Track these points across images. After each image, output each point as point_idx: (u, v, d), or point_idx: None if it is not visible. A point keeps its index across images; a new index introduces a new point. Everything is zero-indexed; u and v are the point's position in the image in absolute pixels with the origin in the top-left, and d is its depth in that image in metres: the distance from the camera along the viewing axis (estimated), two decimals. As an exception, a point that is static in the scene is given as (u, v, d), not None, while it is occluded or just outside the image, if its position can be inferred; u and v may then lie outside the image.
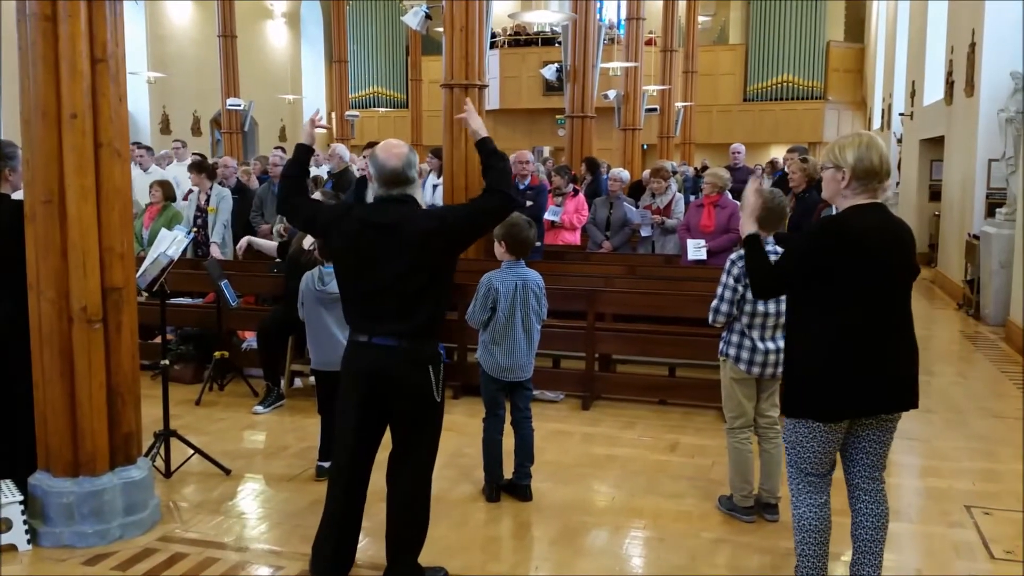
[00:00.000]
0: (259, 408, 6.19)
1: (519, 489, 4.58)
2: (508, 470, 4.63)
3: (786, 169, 7.85)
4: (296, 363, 6.52)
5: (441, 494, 4.43)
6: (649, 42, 19.73)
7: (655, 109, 17.31)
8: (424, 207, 3.56)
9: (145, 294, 4.73)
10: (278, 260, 6.57)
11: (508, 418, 4.64)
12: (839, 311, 3.02)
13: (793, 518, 3.29)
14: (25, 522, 3.92)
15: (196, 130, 21.33)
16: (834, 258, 3.00)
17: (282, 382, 6.39)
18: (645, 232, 8.48)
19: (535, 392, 5.22)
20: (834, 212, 3.22)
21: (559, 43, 18.41)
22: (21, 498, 3.94)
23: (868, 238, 3.00)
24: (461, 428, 5.60)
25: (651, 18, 18.32)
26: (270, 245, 6.59)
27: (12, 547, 3.90)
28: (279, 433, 5.77)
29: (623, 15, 16.77)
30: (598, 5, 13.52)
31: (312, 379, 6.03)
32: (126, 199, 4.00)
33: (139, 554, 3.91)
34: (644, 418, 6.05)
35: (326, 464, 4.82)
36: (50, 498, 3.96)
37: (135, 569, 3.78)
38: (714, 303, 4.22)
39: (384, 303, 3.31)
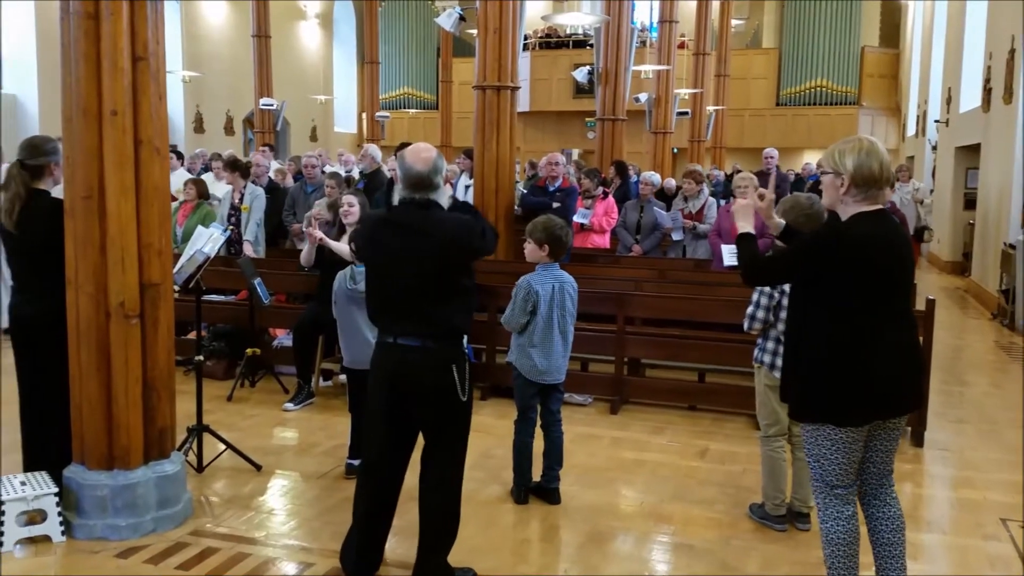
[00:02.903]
0: (289, 405, 6.24)
1: (548, 492, 4.57)
2: (536, 473, 4.63)
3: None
4: (326, 361, 6.57)
5: (470, 495, 4.42)
6: (681, 45, 19.65)
7: (686, 113, 17.23)
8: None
9: (179, 290, 4.78)
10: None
11: (538, 421, 4.63)
12: (849, 315, 3.01)
13: (821, 532, 3.26)
14: (60, 514, 3.98)
15: (229, 129, 21.55)
16: (833, 265, 2.99)
17: (313, 380, 6.43)
18: (676, 236, 8.43)
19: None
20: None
21: (590, 45, 18.39)
22: (56, 490, 3.99)
23: (870, 245, 2.98)
24: (490, 429, 5.60)
25: (684, 21, 18.25)
26: (342, 248, 6.38)
27: (46, 538, 3.96)
28: (309, 430, 5.81)
29: (656, 18, 16.69)
30: (631, 7, 13.44)
31: (343, 377, 6.08)
32: (165, 196, 4.05)
33: (171, 548, 3.95)
34: (673, 423, 6.02)
35: (356, 462, 4.84)
36: (84, 491, 4.01)
37: (167, 563, 3.82)
38: (749, 310, 4.19)
39: (407, 304, 3.34)
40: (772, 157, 11.27)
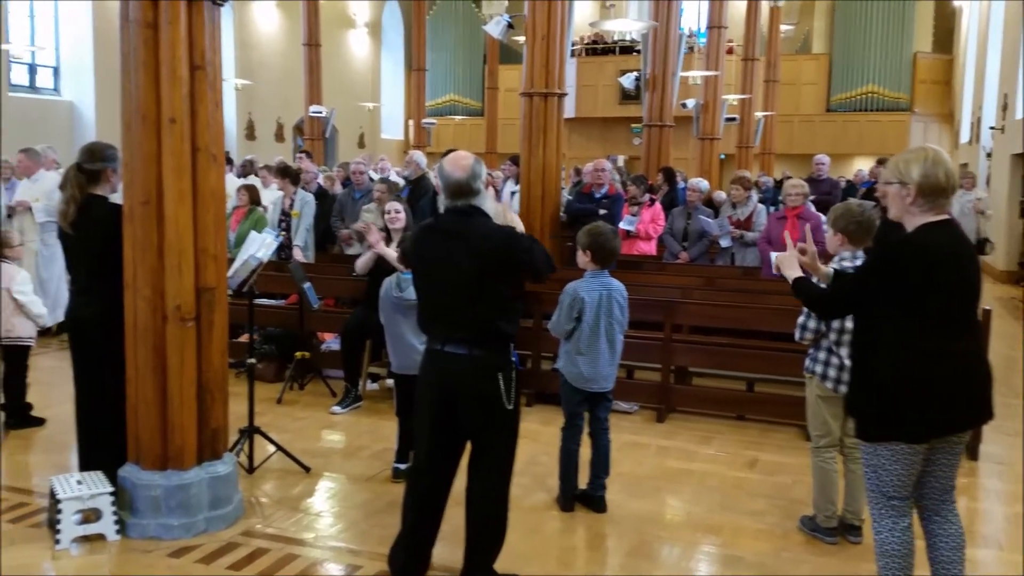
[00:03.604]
0: (337, 408, 6.30)
1: (594, 500, 4.55)
2: (582, 480, 4.61)
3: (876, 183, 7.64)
4: (373, 365, 6.63)
5: (515, 501, 4.39)
6: (730, 51, 19.46)
7: (735, 118, 17.05)
8: (498, 216, 3.58)
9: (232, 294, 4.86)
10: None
11: (585, 428, 4.62)
12: (916, 331, 2.96)
13: (876, 543, 3.20)
14: (114, 513, 4.06)
15: (279, 136, 21.87)
16: (903, 278, 2.94)
17: (360, 384, 6.49)
18: (724, 243, 8.35)
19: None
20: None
21: (637, 51, 18.31)
22: (111, 489, 4.08)
23: (939, 257, 2.93)
24: (535, 436, 5.59)
25: (732, 26, 18.07)
26: (391, 254, 6.42)
27: (101, 537, 4.04)
28: (356, 434, 5.86)
29: (704, 23, 16.57)
30: (679, 13, 13.35)
31: (389, 381, 6.13)
32: (220, 202, 4.13)
33: (222, 548, 4.01)
34: (721, 433, 5.95)
35: (402, 466, 4.88)
36: (139, 490, 4.09)
37: (218, 563, 3.88)
38: (801, 319, 4.14)
39: (454, 311, 3.35)
40: (823, 164, 11.11)
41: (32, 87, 16.56)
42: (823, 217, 6.57)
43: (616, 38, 22.81)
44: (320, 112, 16.21)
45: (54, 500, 4.02)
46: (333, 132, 17.94)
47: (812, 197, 7.75)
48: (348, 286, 7.26)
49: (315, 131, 16.41)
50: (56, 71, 17.04)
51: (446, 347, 3.37)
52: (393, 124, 27.37)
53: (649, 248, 8.59)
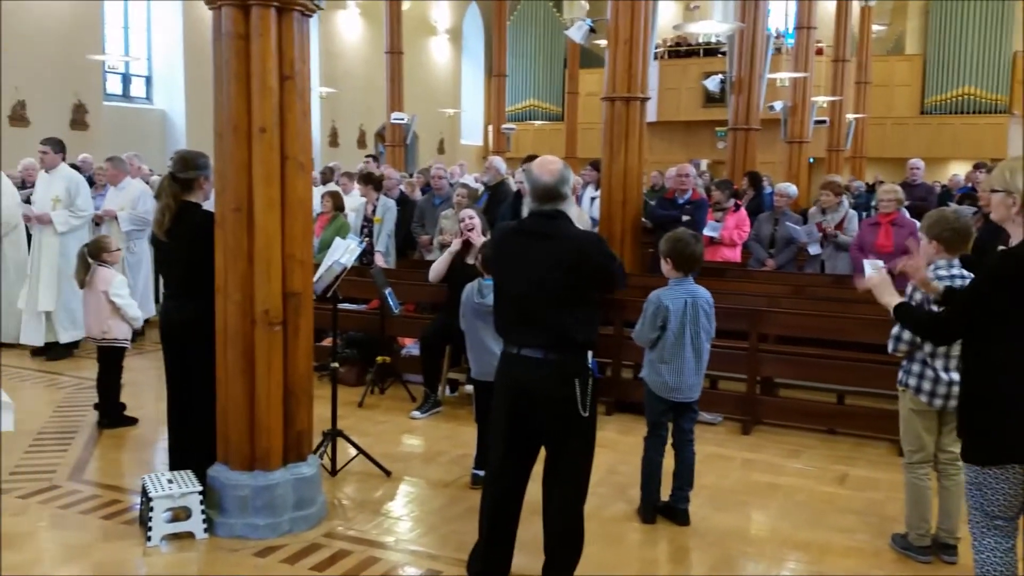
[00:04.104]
0: (416, 413, 6.34)
1: (676, 512, 4.46)
2: (664, 492, 4.53)
3: (977, 189, 7.31)
4: (452, 371, 6.66)
5: (594, 511, 4.38)
6: (819, 51, 18.97)
7: (824, 121, 16.63)
8: (578, 221, 3.54)
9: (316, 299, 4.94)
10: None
11: (668, 439, 4.53)
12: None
13: (976, 564, 3.05)
14: (203, 512, 4.16)
15: (361, 143, 22.28)
16: (1013, 295, 2.82)
17: (439, 389, 6.53)
18: (813, 250, 8.11)
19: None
20: None
21: (722, 53, 18.01)
22: (200, 489, 4.18)
23: None
24: (615, 445, 5.53)
25: (822, 27, 17.62)
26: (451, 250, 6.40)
27: (190, 535, 4.15)
28: (435, 439, 5.89)
29: (792, 24, 16.19)
30: (766, 14, 13.06)
31: (468, 387, 6.14)
32: (307, 210, 4.21)
33: (306, 549, 4.07)
34: (810, 447, 5.77)
35: (481, 472, 4.87)
36: (227, 490, 4.19)
37: (303, 563, 3.93)
38: (895, 330, 3.97)
39: (532, 314, 3.33)
40: (917, 168, 10.71)
41: (126, 96, 17.28)
42: (918, 224, 6.33)
43: (700, 40, 22.48)
44: (401, 119, 16.44)
45: (146, 498, 4.15)
46: (414, 138, 18.18)
47: (906, 203, 7.46)
48: (428, 292, 7.31)
49: (396, 137, 16.65)
50: (149, 81, 17.73)
51: (523, 351, 3.35)
52: (473, 130, 27.59)
53: (733, 255, 8.41)
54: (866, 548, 4.22)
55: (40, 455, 5.28)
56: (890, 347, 4.04)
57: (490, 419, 3.65)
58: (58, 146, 7.86)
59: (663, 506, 4.50)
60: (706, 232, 8.04)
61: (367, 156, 12.32)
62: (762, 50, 12.28)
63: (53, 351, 7.79)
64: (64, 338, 7.81)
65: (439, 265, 6.16)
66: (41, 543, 4.11)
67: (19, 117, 14.20)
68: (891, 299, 3.37)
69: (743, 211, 8.59)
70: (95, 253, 5.85)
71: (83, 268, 5.82)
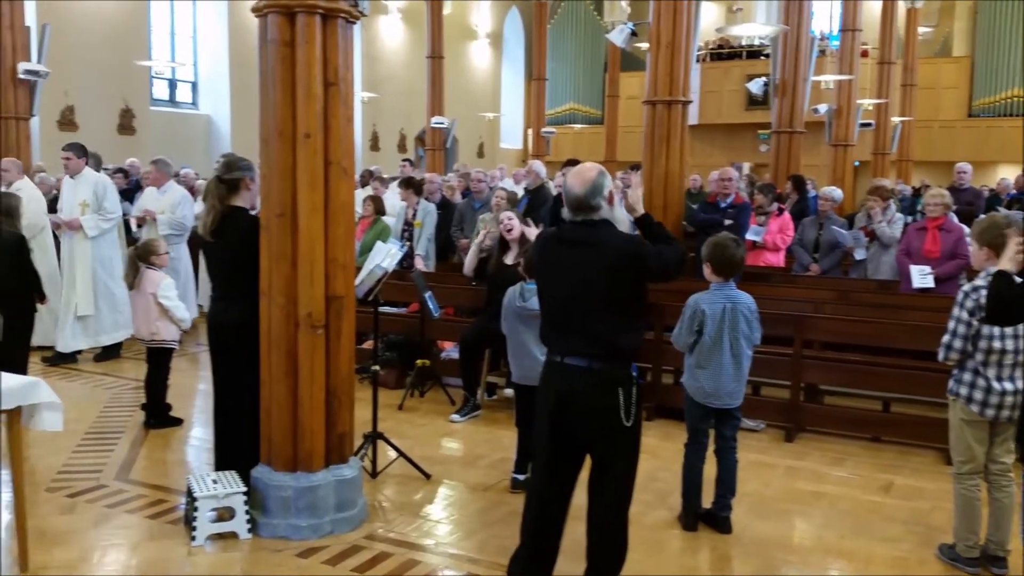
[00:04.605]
0: (456, 417, 6.36)
1: (718, 520, 4.42)
2: (706, 499, 4.48)
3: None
4: (491, 375, 6.66)
5: (635, 518, 4.30)
6: (864, 54, 18.68)
7: (870, 124, 16.37)
8: (622, 224, 3.52)
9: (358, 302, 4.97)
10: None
11: (710, 445, 4.49)
12: None
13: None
14: (247, 512, 4.21)
15: (401, 147, 22.42)
16: None
17: (478, 393, 6.54)
18: (859, 255, 7.98)
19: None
20: None
21: (765, 55, 17.84)
22: (244, 489, 4.23)
23: None
24: (655, 451, 5.49)
25: (867, 29, 17.36)
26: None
27: (233, 535, 4.20)
28: (475, 442, 5.90)
29: (837, 26, 15.97)
30: (810, 16, 12.90)
31: (508, 391, 6.15)
32: (350, 214, 4.25)
33: (348, 550, 4.10)
34: (854, 455, 5.68)
35: (521, 477, 4.87)
36: (270, 491, 4.23)
37: (344, 564, 3.96)
38: (945, 338, 3.89)
39: (575, 322, 3.30)
40: (965, 172, 10.50)
41: (172, 101, 17.58)
42: (966, 229, 6.20)
43: (743, 42, 22.29)
44: (442, 123, 16.54)
45: (191, 498, 4.21)
46: (454, 142, 18.26)
47: (954, 207, 7.32)
48: (468, 295, 7.34)
49: (436, 141, 16.75)
50: (194, 86, 18.03)
51: (566, 359, 3.32)
52: (512, 133, 27.62)
53: (777, 260, 8.31)
54: (911, 558, 4.14)
55: (87, 455, 5.39)
56: (940, 355, 3.96)
57: (532, 424, 3.63)
58: (81, 151, 7.87)
59: (705, 513, 4.46)
60: (749, 236, 7.95)
61: (403, 160, 12.41)
62: (806, 52, 12.13)
63: (103, 353, 7.92)
64: (105, 340, 7.89)
65: (469, 258, 6.18)
66: (88, 541, 4.18)
67: (68, 121, 14.53)
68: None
69: (787, 215, 8.48)
70: (144, 256, 5.95)
71: (132, 270, 5.92)
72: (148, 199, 8.66)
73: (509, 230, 6.03)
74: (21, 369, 5.26)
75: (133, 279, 5.92)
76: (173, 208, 8.40)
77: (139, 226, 8.55)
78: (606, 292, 3.26)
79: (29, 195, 7.66)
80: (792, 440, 5.95)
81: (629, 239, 3.36)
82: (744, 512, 4.60)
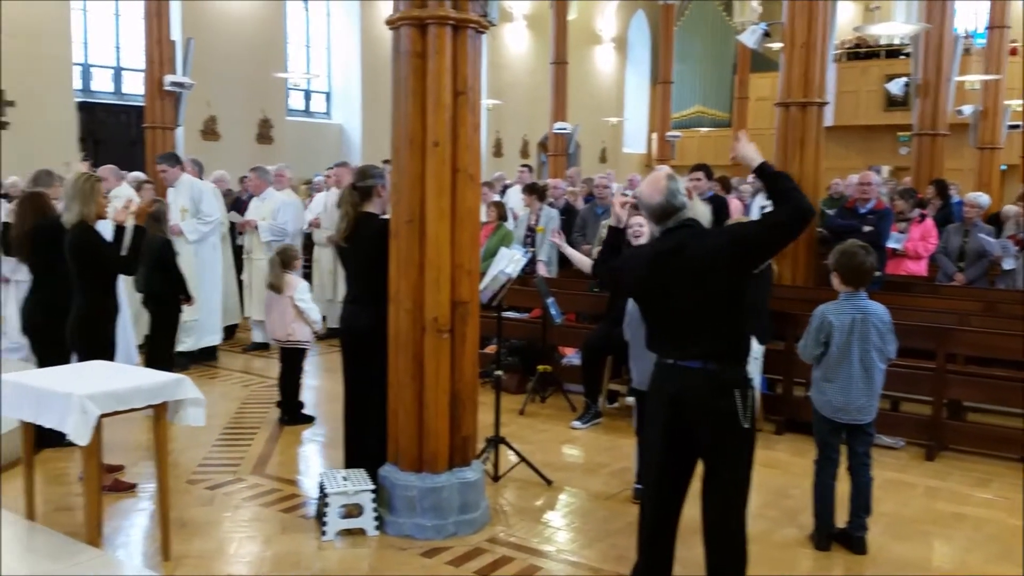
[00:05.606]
0: (577, 424, 6.34)
1: (852, 540, 4.23)
2: (839, 518, 4.30)
3: None
4: (613, 382, 6.61)
5: (762, 535, 4.22)
6: (1013, 51, 17.55)
7: (1018, 126, 15.39)
8: (704, 219, 3.42)
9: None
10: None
11: (843, 462, 4.30)
12: None
13: None
14: (374, 510, 4.33)
15: (524, 153, 22.59)
16: None
17: (600, 400, 6.50)
18: (1007, 265, 7.51)
19: (871, 436, 4.80)
20: None
21: (905, 55, 17.03)
22: (373, 487, 4.35)
23: None
24: (785, 466, 5.31)
25: (1015, 26, 16.31)
26: (582, 260, 6.49)
27: (361, 531, 4.32)
28: (595, 450, 5.86)
29: (983, 23, 15.09)
30: (953, 13, 12.24)
31: (629, 399, 6.07)
32: (476, 220, 4.31)
33: (470, 552, 4.15)
34: (1001, 476, 5.34)
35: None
36: (396, 490, 4.33)
37: (467, 566, 4.01)
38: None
39: (684, 326, 3.24)
40: None
41: (307, 112, 18.31)
42: None
43: (881, 41, 21.34)
44: (565, 128, 16.57)
45: (323, 494, 4.35)
46: (576, 148, 18.26)
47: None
48: (590, 302, 7.31)
49: (559, 147, 16.79)
50: (328, 97, 18.72)
51: (679, 362, 3.26)
52: (636, 138, 27.38)
53: (919, 268, 7.91)
54: (1068, 592, 3.85)
55: (226, 449, 5.67)
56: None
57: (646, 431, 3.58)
58: (174, 160, 8.09)
59: (838, 533, 4.28)
60: (890, 244, 7.61)
61: (521, 166, 12.48)
62: (949, 51, 11.51)
63: (200, 356, 8.04)
64: (204, 343, 8.04)
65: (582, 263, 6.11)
66: (225, 533, 4.39)
67: (210, 131, 15.35)
68: None
69: (929, 221, 8.07)
70: (287, 262, 6.22)
71: (276, 275, 6.19)
72: (252, 206, 8.84)
73: (638, 236, 5.96)
74: (167, 366, 5.58)
75: (276, 282, 6.18)
76: (273, 215, 8.52)
77: (241, 233, 8.82)
78: (708, 294, 3.18)
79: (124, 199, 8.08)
80: (933, 459, 5.64)
81: (719, 231, 3.31)
82: (880, 532, 4.39)
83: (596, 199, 9.25)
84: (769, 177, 3.22)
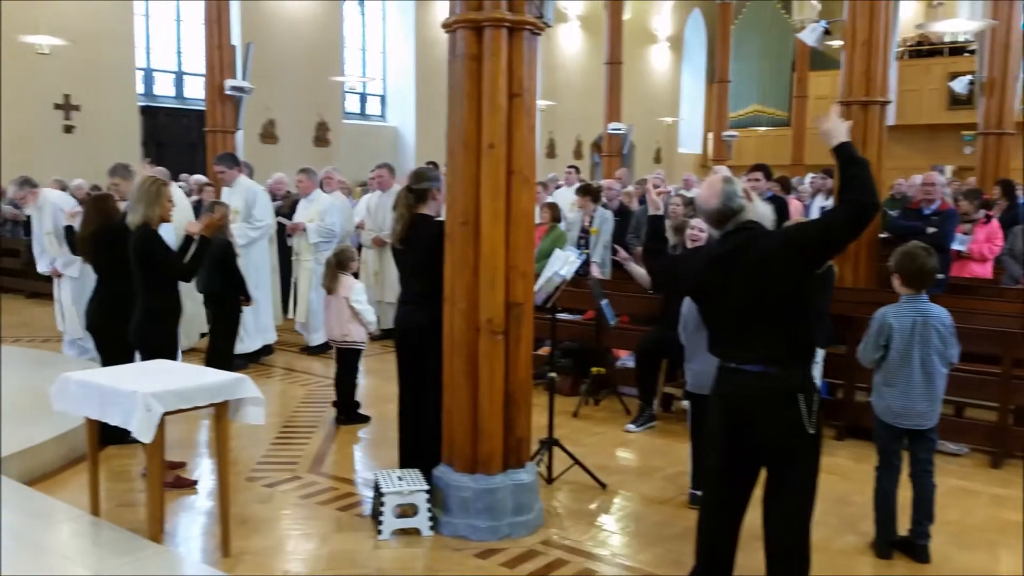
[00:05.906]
0: (631, 427, 6.30)
1: (915, 549, 4.13)
2: (902, 526, 4.20)
3: None
4: (668, 386, 6.55)
5: (823, 543, 4.14)
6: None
7: (1088, 124, 14.87)
8: (766, 220, 3.35)
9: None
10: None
11: (905, 468, 4.21)
12: None
13: None
14: (429, 510, 4.36)
15: (577, 153, 22.55)
16: None
17: (654, 403, 6.45)
18: (1078, 267, 7.26)
19: (934, 442, 4.68)
20: None
21: (970, 52, 16.59)
22: (427, 487, 4.38)
23: None
24: (846, 473, 5.21)
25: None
26: (644, 276, 6.42)
27: (416, 531, 4.35)
28: (650, 454, 5.82)
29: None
30: (1021, 8, 11.88)
31: (684, 403, 6.01)
32: (530, 222, 4.31)
33: (524, 554, 4.15)
34: (1071, 486, 5.16)
35: (699, 492, 4.74)
36: (451, 491, 4.36)
37: (522, 568, 4.02)
38: None
39: (744, 329, 3.19)
40: None
41: (362, 114, 18.55)
42: None
43: (945, 39, 20.82)
44: (619, 129, 16.49)
45: (378, 493, 4.40)
46: (630, 148, 18.16)
47: None
48: (644, 304, 7.24)
49: (613, 147, 16.72)
50: (383, 100, 18.94)
51: (742, 365, 3.21)
52: (691, 138, 27.14)
53: (984, 271, 7.70)
54: None
55: (284, 447, 5.76)
56: None
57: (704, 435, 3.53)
58: (232, 161, 8.14)
59: (900, 541, 4.19)
60: (954, 246, 7.41)
61: (568, 167, 12.43)
62: (1017, 48, 11.18)
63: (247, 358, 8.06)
64: (251, 345, 8.07)
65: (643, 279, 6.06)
66: (283, 530, 4.46)
67: (269, 135, 15.65)
68: None
69: (995, 223, 7.85)
70: (343, 263, 6.30)
71: (331, 276, 6.28)
72: (300, 208, 8.84)
73: (695, 240, 5.90)
74: (227, 365, 5.69)
75: (333, 284, 6.27)
76: (321, 216, 8.53)
77: (289, 235, 8.85)
78: (768, 297, 3.13)
79: (175, 202, 8.19)
80: (999, 466, 5.48)
81: (775, 232, 3.25)
82: (944, 541, 4.27)
83: (650, 201, 9.17)
84: (845, 159, 3.09)
